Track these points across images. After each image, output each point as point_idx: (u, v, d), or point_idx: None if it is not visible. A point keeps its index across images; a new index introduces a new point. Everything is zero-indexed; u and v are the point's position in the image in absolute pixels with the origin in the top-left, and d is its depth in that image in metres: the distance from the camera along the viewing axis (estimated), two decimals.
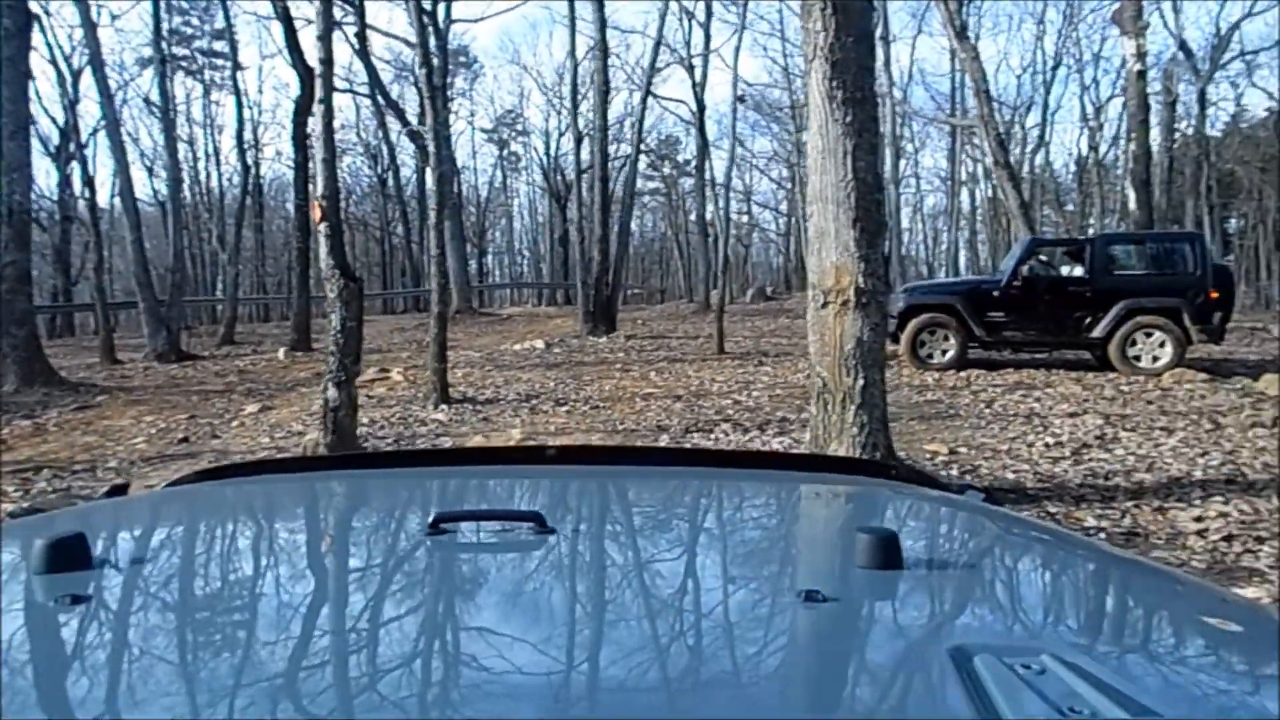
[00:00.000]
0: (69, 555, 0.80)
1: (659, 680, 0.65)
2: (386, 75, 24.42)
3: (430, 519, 0.93)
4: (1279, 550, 3.98)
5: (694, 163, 26.76)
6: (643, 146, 23.26)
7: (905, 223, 38.96)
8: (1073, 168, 36.16)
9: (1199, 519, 4.47)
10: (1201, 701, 0.66)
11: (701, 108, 21.89)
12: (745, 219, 39.80)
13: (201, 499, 1.26)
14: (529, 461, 1.51)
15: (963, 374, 9.66)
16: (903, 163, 34.60)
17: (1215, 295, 9.68)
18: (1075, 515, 4.61)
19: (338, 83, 11.88)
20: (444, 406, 8.31)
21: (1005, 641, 0.72)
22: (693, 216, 29.41)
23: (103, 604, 0.78)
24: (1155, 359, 9.60)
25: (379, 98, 23.04)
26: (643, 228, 45.90)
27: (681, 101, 37.94)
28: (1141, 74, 19.25)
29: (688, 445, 5.59)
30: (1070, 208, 34.67)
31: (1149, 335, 9.65)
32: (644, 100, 20.20)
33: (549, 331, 15.82)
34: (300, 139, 14.55)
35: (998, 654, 0.62)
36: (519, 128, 42.00)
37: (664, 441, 6.55)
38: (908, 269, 34.19)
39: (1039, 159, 33.42)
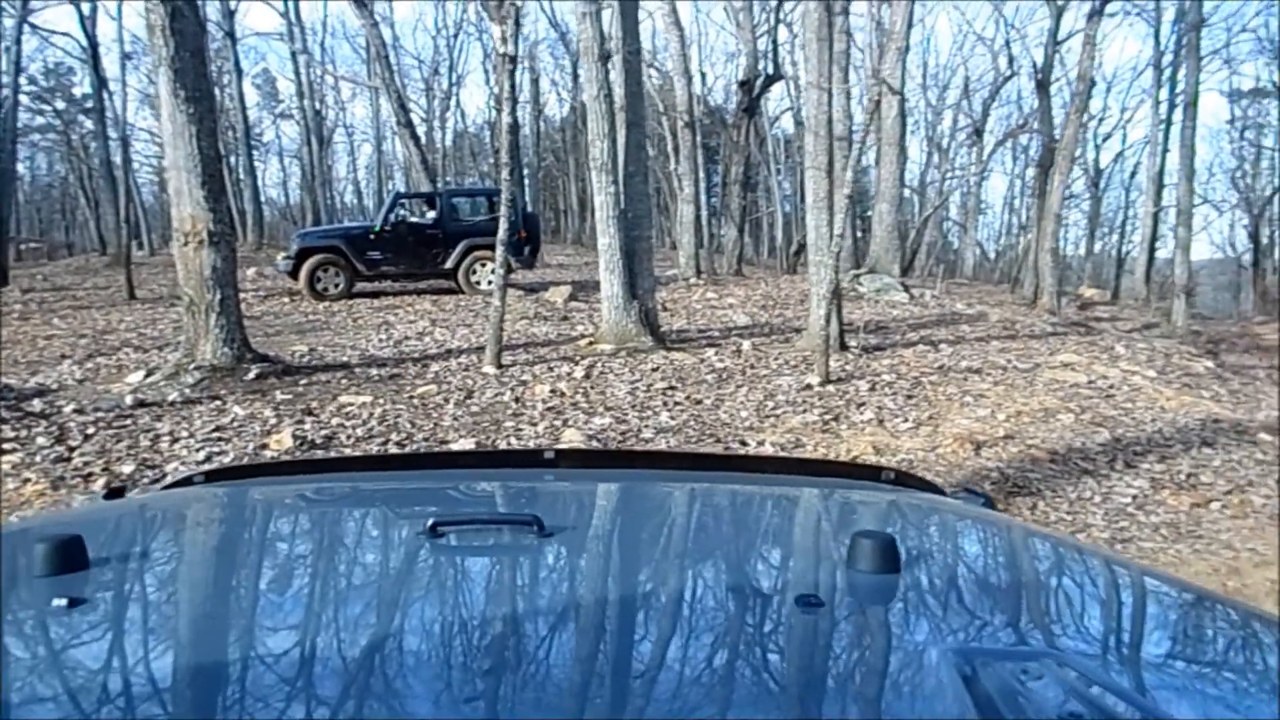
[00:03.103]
0: (66, 557, 0.81)
1: (657, 684, 0.65)
2: None
3: (429, 523, 0.93)
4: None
5: (92, 102, 24.88)
6: (25, 77, 21.09)
7: (342, 172, 40.80)
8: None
9: (443, 367, 7.55)
10: (1201, 704, 0.67)
11: (94, 44, 20.73)
12: None
13: (198, 502, 1.26)
14: (527, 465, 1.54)
15: (351, 302, 12.17)
16: (332, 114, 36.30)
17: (525, 235, 13.63)
18: (371, 370, 7.36)
19: None
20: None
21: (1004, 645, 0.74)
22: (98, 161, 27.14)
23: (99, 606, 0.78)
24: (489, 281, 13.21)
25: None
26: (34, 171, 39.85)
27: (69, 35, 34.11)
28: (504, 56, 23.85)
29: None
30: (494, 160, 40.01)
31: (484, 265, 13.24)
32: (19, 30, 18.61)
33: None
34: None
35: (997, 658, 0.64)
36: None
37: (66, 367, 7.76)
38: (347, 217, 36.13)
39: (452, 117, 37.86)
